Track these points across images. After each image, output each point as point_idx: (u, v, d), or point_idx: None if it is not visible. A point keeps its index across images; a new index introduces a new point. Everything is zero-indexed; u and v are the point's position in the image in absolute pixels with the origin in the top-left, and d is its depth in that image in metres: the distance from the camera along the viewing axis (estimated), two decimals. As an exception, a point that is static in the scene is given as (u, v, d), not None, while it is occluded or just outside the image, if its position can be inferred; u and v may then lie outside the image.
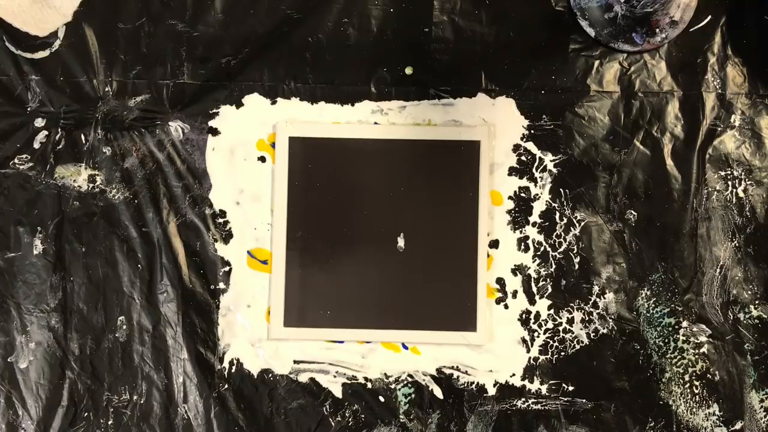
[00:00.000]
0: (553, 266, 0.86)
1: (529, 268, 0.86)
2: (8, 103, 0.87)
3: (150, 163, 0.87)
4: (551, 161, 0.86)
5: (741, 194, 0.86)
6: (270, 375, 0.86)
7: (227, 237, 0.87)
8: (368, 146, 0.86)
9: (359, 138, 0.86)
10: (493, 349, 0.85)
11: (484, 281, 0.85)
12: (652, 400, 0.85)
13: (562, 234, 0.86)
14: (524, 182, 0.86)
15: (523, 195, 0.86)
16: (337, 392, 0.86)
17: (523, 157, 0.86)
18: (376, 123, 0.87)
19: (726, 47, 0.86)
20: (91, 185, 0.86)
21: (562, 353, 0.85)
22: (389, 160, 0.86)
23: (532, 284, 0.86)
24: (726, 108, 0.86)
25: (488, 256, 0.86)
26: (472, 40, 0.87)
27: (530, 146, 0.86)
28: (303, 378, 0.86)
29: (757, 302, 0.85)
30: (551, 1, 0.87)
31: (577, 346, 0.85)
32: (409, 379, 0.86)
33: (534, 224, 0.86)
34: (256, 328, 0.86)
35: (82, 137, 0.87)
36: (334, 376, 0.86)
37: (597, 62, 0.87)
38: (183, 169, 0.87)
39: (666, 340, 0.85)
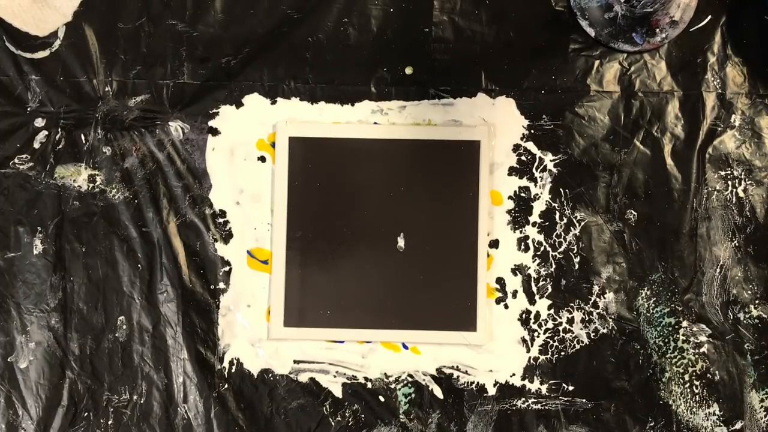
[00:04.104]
0: (553, 266, 0.86)
1: (529, 268, 0.86)
2: (8, 103, 0.87)
3: (150, 163, 0.87)
4: (551, 161, 0.86)
5: (741, 194, 0.86)
6: (270, 375, 0.86)
7: (227, 237, 0.87)
8: (368, 146, 0.86)
9: (359, 138, 0.86)
10: (493, 349, 0.85)
11: (484, 281, 0.85)
12: (652, 400, 0.85)
13: (562, 234, 0.86)
14: (524, 182, 0.86)
15: (523, 195, 0.86)
16: (337, 392, 0.86)
17: (523, 157, 0.86)
18: (376, 123, 0.87)
19: (726, 47, 0.86)
20: (91, 185, 0.86)
21: (562, 353, 0.85)
22: (389, 160, 0.86)
23: (532, 284, 0.86)
24: (726, 108, 0.86)
25: (488, 256, 0.86)
26: (472, 40, 0.87)
27: (530, 146, 0.86)
28: (303, 378, 0.86)
29: (757, 302, 0.85)
30: (551, 1, 0.87)
31: (577, 346, 0.85)
32: (409, 379, 0.86)
33: (534, 224, 0.86)
34: (256, 328, 0.86)
35: (82, 137, 0.87)
36: (334, 376, 0.86)
37: (597, 62, 0.87)
38: (183, 169, 0.87)
39: (666, 340, 0.85)
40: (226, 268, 0.87)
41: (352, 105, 0.87)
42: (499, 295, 0.86)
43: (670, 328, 0.85)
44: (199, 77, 0.87)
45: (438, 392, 0.86)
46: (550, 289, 0.86)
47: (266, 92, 0.87)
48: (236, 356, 0.86)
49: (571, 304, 0.86)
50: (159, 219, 0.86)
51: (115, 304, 0.86)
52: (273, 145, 0.87)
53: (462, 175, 0.85)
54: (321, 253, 0.86)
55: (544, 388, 0.85)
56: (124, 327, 0.86)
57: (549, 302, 0.86)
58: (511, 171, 0.86)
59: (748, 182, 0.86)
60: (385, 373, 0.86)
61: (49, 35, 0.87)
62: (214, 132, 0.87)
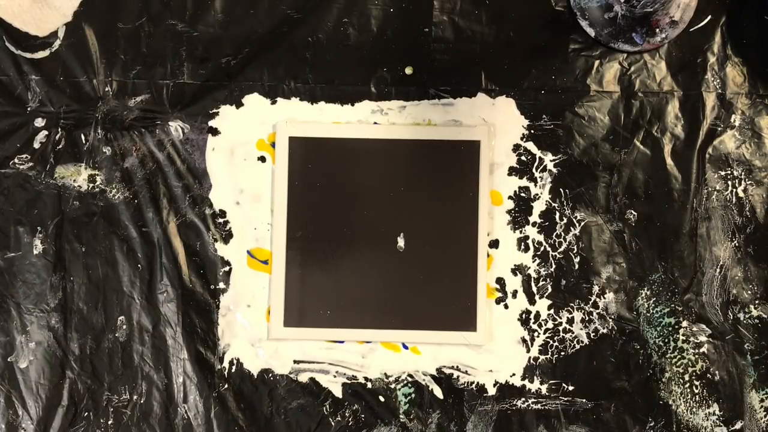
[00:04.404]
0: (553, 266, 0.86)
1: (529, 268, 0.86)
2: (8, 103, 0.87)
3: (150, 163, 0.87)
4: (551, 161, 0.86)
5: (741, 194, 0.86)
6: (270, 375, 0.86)
7: (227, 237, 0.87)
8: (368, 146, 0.86)
9: (359, 138, 0.86)
10: (493, 349, 0.85)
11: (484, 281, 0.85)
12: (652, 400, 0.85)
13: (562, 234, 0.86)
14: (524, 182, 0.86)
15: (523, 195, 0.86)
16: (337, 392, 0.86)
17: (523, 157, 0.86)
18: (376, 123, 0.87)
19: (726, 47, 0.86)
20: (91, 185, 0.86)
21: (562, 353, 0.85)
22: (389, 160, 0.86)
23: (532, 284, 0.86)
24: (726, 108, 0.86)
25: (488, 256, 0.86)
26: (472, 40, 0.87)
27: (530, 146, 0.86)
28: (303, 378, 0.86)
29: (757, 302, 0.85)
30: (551, 1, 0.87)
31: (577, 346, 0.85)
32: (409, 379, 0.86)
33: (534, 224, 0.86)
34: (256, 328, 0.86)
35: (82, 137, 0.87)
36: (334, 376, 0.86)
37: (597, 62, 0.87)
38: (183, 169, 0.87)
39: (666, 340, 0.85)
40: (226, 268, 0.87)
41: (352, 105, 0.87)
42: (499, 295, 0.86)
43: (670, 328, 0.85)
44: (199, 77, 0.87)
45: (438, 392, 0.85)
46: (550, 289, 0.86)
47: (266, 92, 0.87)
48: (236, 356, 0.86)
49: (571, 304, 0.86)
50: (159, 219, 0.86)
51: (115, 304, 0.86)
52: (273, 145, 0.87)
53: (462, 175, 0.85)
54: (321, 253, 0.86)
55: (544, 388, 0.85)
56: (124, 327, 0.86)
57: (549, 302, 0.86)
58: (511, 171, 0.86)
59: (748, 182, 0.86)
60: (385, 373, 0.86)
61: (49, 35, 0.87)
62: (214, 132, 0.87)
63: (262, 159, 0.87)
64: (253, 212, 0.87)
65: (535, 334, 0.85)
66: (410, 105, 0.87)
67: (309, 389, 0.86)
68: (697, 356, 0.85)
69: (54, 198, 0.86)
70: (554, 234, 0.86)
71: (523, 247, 0.86)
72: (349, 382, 0.86)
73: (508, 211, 0.86)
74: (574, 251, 0.86)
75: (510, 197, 0.86)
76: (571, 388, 0.85)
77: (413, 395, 0.86)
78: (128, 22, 0.87)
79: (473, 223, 0.85)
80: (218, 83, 0.87)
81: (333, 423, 0.85)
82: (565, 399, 0.85)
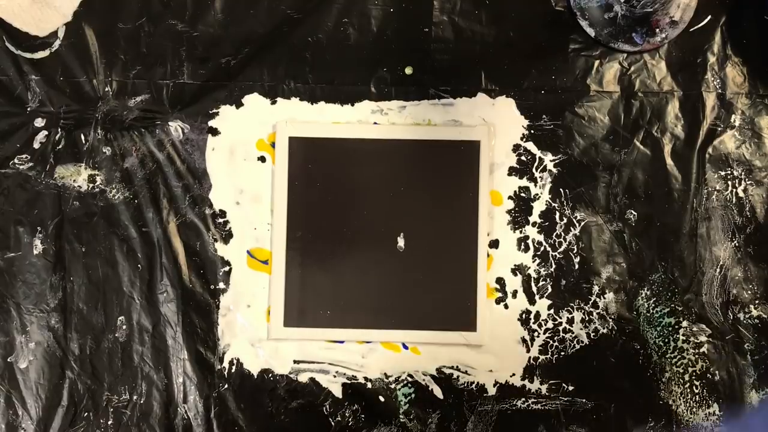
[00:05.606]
0: (553, 266, 0.86)
1: (529, 268, 0.86)
2: (8, 103, 0.87)
3: (150, 163, 0.87)
4: (551, 161, 0.86)
5: (741, 194, 0.86)
6: (270, 375, 0.86)
7: (227, 237, 0.87)
8: (368, 146, 0.86)
9: (359, 138, 0.86)
10: (493, 349, 0.85)
11: (484, 281, 0.85)
12: (652, 400, 0.85)
13: (562, 234, 0.86)
14: (524, 182, 0.86)
15: (523, 195, 0.86)
16: (337, 392, 0.86)
17: (523, 157, 0.86)
18: (376, 123, 0.87)
19: (726, 47, 0.86)
20: (91, 185, 0.86)
21: (562, 353, 0.85)
22: (389, 160, 0.86)
23: (532, 284, 0.86)
24: (726, 108, 0.86)
25: (488, 256, 0.86)
26: (472, 40, 0.87)
27: (530, 146, 0.86)
28: (303, 378, 0.86)
29: (757, 302, 0.85)
30: (551, 1, 0.87)
31: (577, 346, 0.85)
32: (409, 379, 0.86)
33: (534, 224, 0.86)
34: (256, 328, 0.86)
35: (82, 137, 0.87)
36: (334, 376, 0.86)
37: (597, 62, 0.87)
38: (183, 169, 0.87)
39: (666, 340, 0.85)
40: (226, 268, 0.87)
41: (352, 105, 0.87)
42: (499, 295, 0.86)
43: (670, 328, 0.85)
44: (199, 77, 0.87)
45: (438, 392, 0.85)
46: (550, 289, 0.86)
47: (266, 92, 0.87)
48: (236, 356, 0.86)
49: (571, 304, 0.86)
50: (159, 219, 0.86)
51: (115, 304, 0.86)
52: (273, 145, 0.87)
53: (462, 175, 0.85)
54: (321, 253, 0.86)
55: (544, 388, 0.85)
56: (124, 327, 0.86)
57: (549, 302, 0.86)
58: (511, 171, 0.86)
59: (748, 182, 0.86)
60: (385, 373, 0.86)
61: (49, 35, 0.87)
62: (214, 132, 0.87)
63: (262, 159, 0.87)
64: (253, 212, 0.87)
65: (535, 334, 0.85)
66: (410, 105, 0.87)
67: (309, 389, 0.86)
68: (697, 356, 0.85)
69: (54, 198, 0.86)
70: (554, 234, 0.86)
71: (523, 247, 0.86)
72: (349, 382, 0.86)
73: (508, 211, 0.86)
74: (574, 251, 0.86)
75: (510, 197, 0.86)
76: (571, 388, 0.85)
77: (413, 395, 0.86)
78: (128, 22, 0.87)
79: (473, 223, 0.85)
80: (218, 83, 0.87)
81: (333, 423, 0.85)
82: (565, 399, 0.85)
